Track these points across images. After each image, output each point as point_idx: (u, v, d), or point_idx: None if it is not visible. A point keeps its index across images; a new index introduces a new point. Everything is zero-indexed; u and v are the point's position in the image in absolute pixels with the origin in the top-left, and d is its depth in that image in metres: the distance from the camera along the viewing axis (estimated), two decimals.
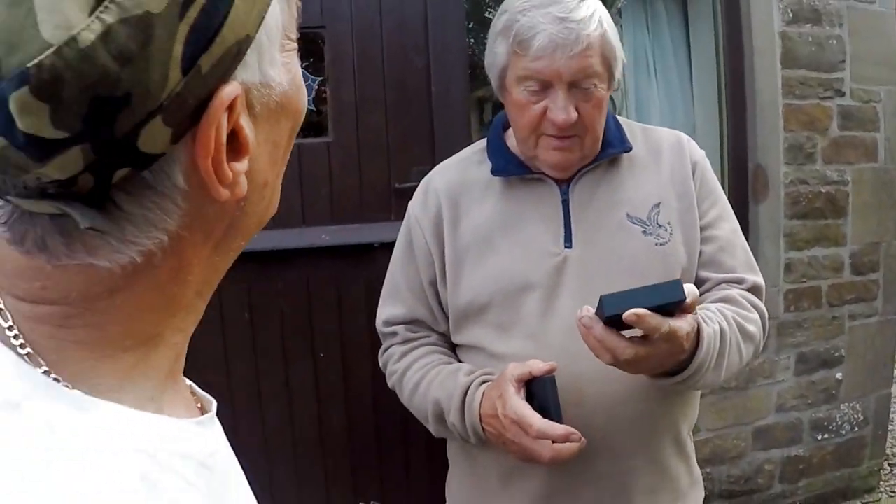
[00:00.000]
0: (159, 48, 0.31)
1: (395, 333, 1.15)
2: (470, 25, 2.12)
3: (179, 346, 0.42)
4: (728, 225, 1.10)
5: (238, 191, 0.37)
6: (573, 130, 1.00)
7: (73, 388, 0.36)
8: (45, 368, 0.36)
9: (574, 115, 0.98)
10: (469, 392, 1.01)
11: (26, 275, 0.37)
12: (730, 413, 2.40)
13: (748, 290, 1.07)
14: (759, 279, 1.10)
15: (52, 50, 0.29)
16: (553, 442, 0.92)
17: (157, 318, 0.39)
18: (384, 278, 1.21)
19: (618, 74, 1.03)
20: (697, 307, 0.93)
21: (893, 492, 2.75)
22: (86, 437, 0.34)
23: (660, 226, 1.05)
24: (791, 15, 2.39)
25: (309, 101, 2.11)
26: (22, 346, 0.36)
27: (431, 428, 1.10)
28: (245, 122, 0.37)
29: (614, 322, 0.83)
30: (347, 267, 2.04)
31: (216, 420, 0.44)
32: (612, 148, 1.07)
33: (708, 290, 1.07)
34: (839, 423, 2.58)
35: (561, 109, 0.97)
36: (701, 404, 2.30)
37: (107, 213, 0.34)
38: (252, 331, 2.05)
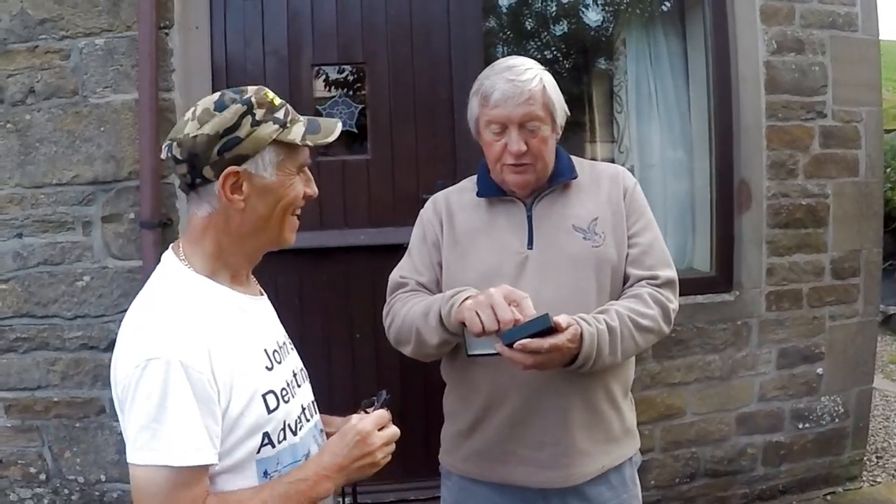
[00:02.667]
0: (210, 145, 1.00)
1: (406, 283, 1.51)
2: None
3: (240, 265, 1.08)
4: (650, 234, 1.47)
5: (236, 205, 1.02)
6: (526, 159, 1.39)
7: (197, 273, 1.03)
8: (186, 264, 1.04)
9: (524, 147, 1.37)
10: (467, 290, 1.34)
11: (189, 222, 1.07)
12: (714, 400, 2.69)
13: (661, 284, 1.42)
14: (672, 273, 1.46)
15: (182, 136, 1.01)
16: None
17: (222, 251, 1.05)
18: (402, 260, 1.56)
19: (560, 121, 1.42)
20: (599, 308, 1.35)
21: (876, 481, 2.97)
22: (198, 284, 1.03)
23: (596, 234, 1.43)
24: (775, 45, 2.68)
25: (350, 124, 2.54)
26: (178, 255, 1.05)
27: (414, 331, 1.39)
28: (246, 182, 1.01)
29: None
30: (381, 263, 2.40)
31: (262, 300, 1.14)
32: (563, 176, 1.47)
33: (630, 285, 1.44)
34: (819, 413, 2.83)
35: (514, 143, 1.37)
36: (687, 390, 2.65)
37: (197, 192, 1.03)
38: (301, 314, 2.46)
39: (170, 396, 0.91)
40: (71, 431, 2.41)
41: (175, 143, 1.01)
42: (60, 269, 2.38)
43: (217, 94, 1.04)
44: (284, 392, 1.05)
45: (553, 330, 1.23)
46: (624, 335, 1.34)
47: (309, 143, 1.04)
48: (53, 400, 2.40)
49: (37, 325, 2.39)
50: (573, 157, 1.52)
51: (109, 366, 2.32)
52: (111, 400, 2.43)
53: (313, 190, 1.10)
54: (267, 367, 1.04)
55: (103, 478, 2.43)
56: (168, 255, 1.05)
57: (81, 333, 2.38)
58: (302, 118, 1.07)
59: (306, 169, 1.10)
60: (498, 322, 1.22)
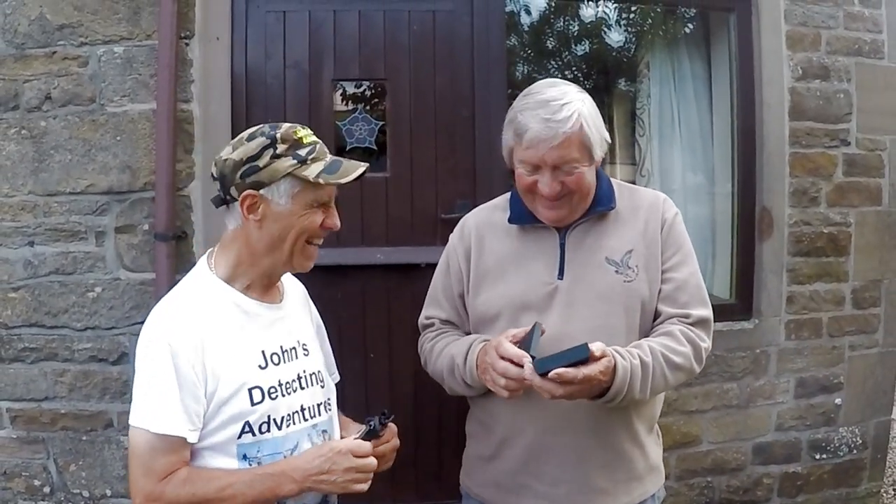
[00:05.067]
0: (234, 170, 1.17)
1: (432, 325, 1.53)
2: (509, 91, 2.46)
3: (255, 276, 1.22)
4: (687, 269, 1.41)
5: (252, 223, 1.17)
6: (560, 195, 1.34)
7: (218, 277, 1.21)
8: (213, 269, 1.22)
9: (557, 189, 1.32)
10: (474, 344, 1.38)
11: (223, 234, 1.25)
12: (731, 428, 2.65)
13: (693, 323, 1.37)
14: (706, 312, 1.40)
15: (219, 157, 1.21)
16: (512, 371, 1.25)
17: (241, 261, 1.21)
18: (428, 292, 1.59)
19: (598, 153, 1.35)
20: (633, 343, 1.32)
21: None
22: (215, 286, 1.21)
23: (629, 268, 1.38)
24: (801, 72, 2.65)
25: (370, 140, 2.51)
26: (210, 260, 1.24)
27: (445, 383, 1.45)
28: (262, 206, 1.17)
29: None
30: (397, 282, 2.39)
31: (279, 307, 1.26)
32: (601, 206, 1.41)
33: (661, 322, 1.39)
34: (837, 444, 2.78)
35: (546, 186, 1.32)
36: (703, 419, 2.61)
37: (228, 208, 1.20)
38: None
39: (156, 374, 1.10)
40: (77, 444, 2.37)
41: (214, 163, 1.20)
42: (72, 280, 2.34)
43: (258, 126, 1.19)
44: (273, 390, 1.16)
45: (585, 362, 1.20)
46: (656, 372, 1.30)
47: (321, 181, 1.15)
48: (60, 412, 2.36)
49: (45, 336, 2.35)
50: (614, 182, 1.47)
51: (118, 379, 2.35)
52: (119, 414, 2.41)
53: (333, 223, 1.21)
54: (260, 366, 1.16)
55: (109, 493, 2.39)
56: (202, 259, 1.24)
57: (91, 345, 2.34)
58: (328, 158, 1.18)
59: (332, 204, 1.22)
60: (517, 360, 1.23)
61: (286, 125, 1.19)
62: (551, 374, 1.17)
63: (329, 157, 1.19)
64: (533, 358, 1.20)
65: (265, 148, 1.14)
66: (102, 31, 2.31)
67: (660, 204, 1.44)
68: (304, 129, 1.19)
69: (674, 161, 2.87)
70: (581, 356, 1.18)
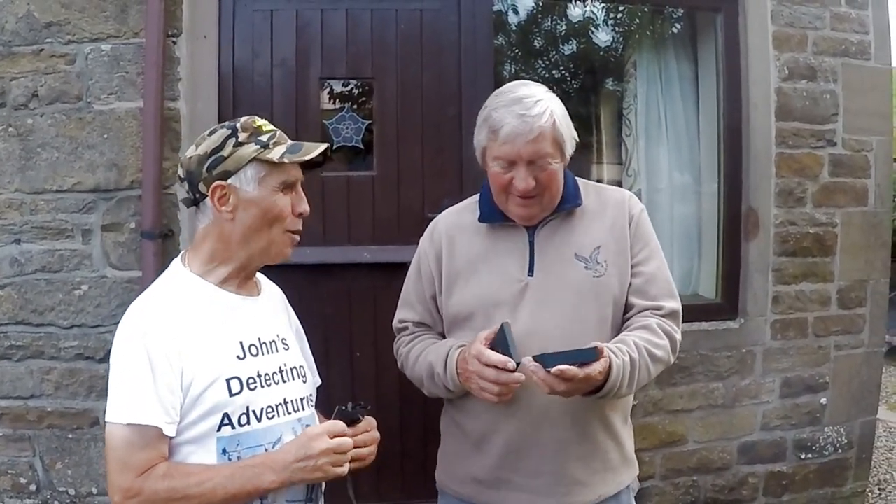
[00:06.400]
0: (199, 164, 1.19)
1: (406, 328, 1.55)
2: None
3: (231, 270, 1.22)
4: (654, 262, 1.44)
5: (225, 215, 1.18)
6: (533, 192, 1.36)
7: (191, 272, 1.21)
8: (186, 265, 1.22)
9: (532, 184, 1.34)
10: (451, 351, 1.39)
11: (195, 233, 1.26)
12: (717, 428, 2.66)
13: (665, 315, 1.40)
14: (676, 305, 1.43)
15: (183, 158, 1.23)
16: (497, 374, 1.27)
17: (214, 256, 1.21)
18: (400, 295, 1.60)
19: (569, 150, 1.39)
20: (617, 339, 1.34)
21: None
22: (190, 281, 1.21)
23: (598, 263, 1.40)
24: (787, 72, 2.67)
25: (357, 139, 2.52)
26: (183, 260, 1.24)
27: (425, 387, 1.47)
28: (232, 195, 1.18)
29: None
30: (383, 281, 2.39)
31: (256, 299, 1.26)
32: (568, 203, 1.43)
33: (634, 314, 1.42)
34: (823, 444, 2.80)
35: (521, 181, 1.34)
36: (689, 418, 2.62)
37: (198, 207, 1.22)
38: None
39: (130, 367, 1.09)
40: (63, 442, 2.37)
41: (179, 165, 1.22)
42: (58, 277, 2.34)
43: (217, 124, 1.24)
44: (252, 381, 1.15)
45: (589, 362, 1.21)
46: (641, 367, 1.33)
47: (285, 160, 1.17)
48: (46, 410, 2.36)
49: (32, 333, 2.35)
50: (579, 180, 1.49)
51: (104, 377, 2.34)
52: (105, 412, 2.40)
53: (303, 208, 1.23)
54: (238, 357, 1.16)
55: (94, 490, 2.39)
56: (175, 260, 1.24)
57: (77, 343, 2.34)
58: (289, 142, 1.21)
59: (299, 188, 1.23)
60: (502, 366, 1.24)
61: (245, 117, 1.23)
62: (555, 370, 1.19)
63: (290, 141, 1.22)
64: (518, 364, 1.23)
65: (227, 138, 1.18)
66: (90, 28, 2.31)
67: (626, 201, 1.47)
68: (262, 119, 1.23)
69: (660, 161, 2.88)
70: (588, 358, 1.21)
